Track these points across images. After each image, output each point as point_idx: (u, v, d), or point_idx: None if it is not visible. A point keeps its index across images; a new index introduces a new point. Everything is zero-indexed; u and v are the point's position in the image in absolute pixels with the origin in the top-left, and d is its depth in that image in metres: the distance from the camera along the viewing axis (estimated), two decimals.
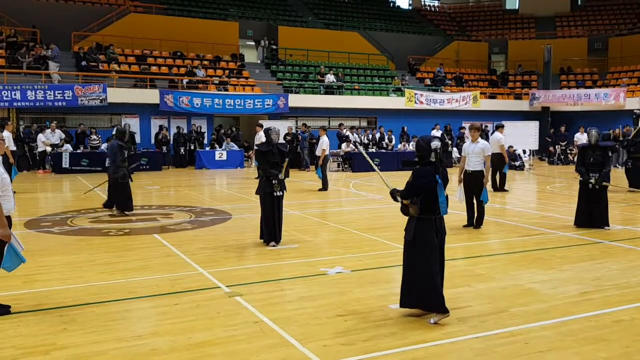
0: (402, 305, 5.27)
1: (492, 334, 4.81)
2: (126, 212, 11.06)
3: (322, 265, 7.09)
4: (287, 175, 8.43)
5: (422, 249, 5.11)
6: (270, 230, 8.20)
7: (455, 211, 11.25)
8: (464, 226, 9.81)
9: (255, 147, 18.65)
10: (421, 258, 5.11)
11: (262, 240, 8.36)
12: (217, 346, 4.56)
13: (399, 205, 5.35)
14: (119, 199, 11.14)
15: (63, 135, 21.31)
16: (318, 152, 15.75)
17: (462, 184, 9.79)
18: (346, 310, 5.39)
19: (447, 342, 4.64)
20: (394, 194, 5.34)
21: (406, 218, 5.32)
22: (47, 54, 23.17)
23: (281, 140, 22.13)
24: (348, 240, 8.78)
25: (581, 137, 20.51)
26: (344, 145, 22.58)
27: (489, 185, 10.06)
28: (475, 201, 9.73)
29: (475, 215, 9.76)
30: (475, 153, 9.66)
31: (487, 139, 15.20)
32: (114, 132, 11.50)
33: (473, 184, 9.66)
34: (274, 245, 8.13)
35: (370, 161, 6.66)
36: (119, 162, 10.98)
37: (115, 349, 4.49)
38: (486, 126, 26.38)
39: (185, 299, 5.75)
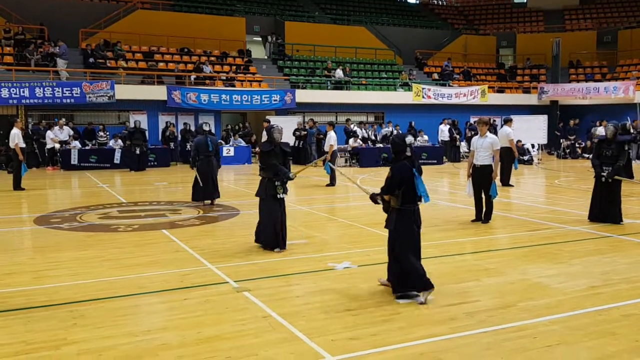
0: (394, 291, 5.57)
1: (500, 329, 4.80)
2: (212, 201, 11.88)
3: (330, 261, 7.10)
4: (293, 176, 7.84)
5: (403, 237, 5.53)
6: (276, 234, 7.64)
7: (464, 206, 11.24)
8: (472, 221, 9.79)
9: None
10: (402, 246, 5.55)
11: (258, 244, 7.88)
12: (225, 341, 4.59)
13: None
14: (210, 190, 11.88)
15: (71, 132, 21.44)
16: (326, 148, 15.75)
17: (470, 179, 9.76)
18: (354, 305, 5.40)
19: (455, 337, 4.64)
20: (374, 197, 5.81)
21: None
22: (55, 51, 23.27)
23: (290, 137, 22.32)
24: (356, 236, 8.79)
25: (602, 131, 20.32)
26: (351, 140, 22.58)
27: (497, 180, 10.01)
28: (483, 196, 9.70)
29: (484, 210, 9.73)
30: (484, 147, 9.61)
31: (495, 133, 15.11)
32: (206, 128, 12.12)
33: (482, 178, 9.62)
34: (278, 252, 7.62)
35: (343, 173, 7.41)
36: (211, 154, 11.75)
37: (125, 344, 4.53)
38: (494, 120, 26.25)
39: (194, 294, 5.78)
